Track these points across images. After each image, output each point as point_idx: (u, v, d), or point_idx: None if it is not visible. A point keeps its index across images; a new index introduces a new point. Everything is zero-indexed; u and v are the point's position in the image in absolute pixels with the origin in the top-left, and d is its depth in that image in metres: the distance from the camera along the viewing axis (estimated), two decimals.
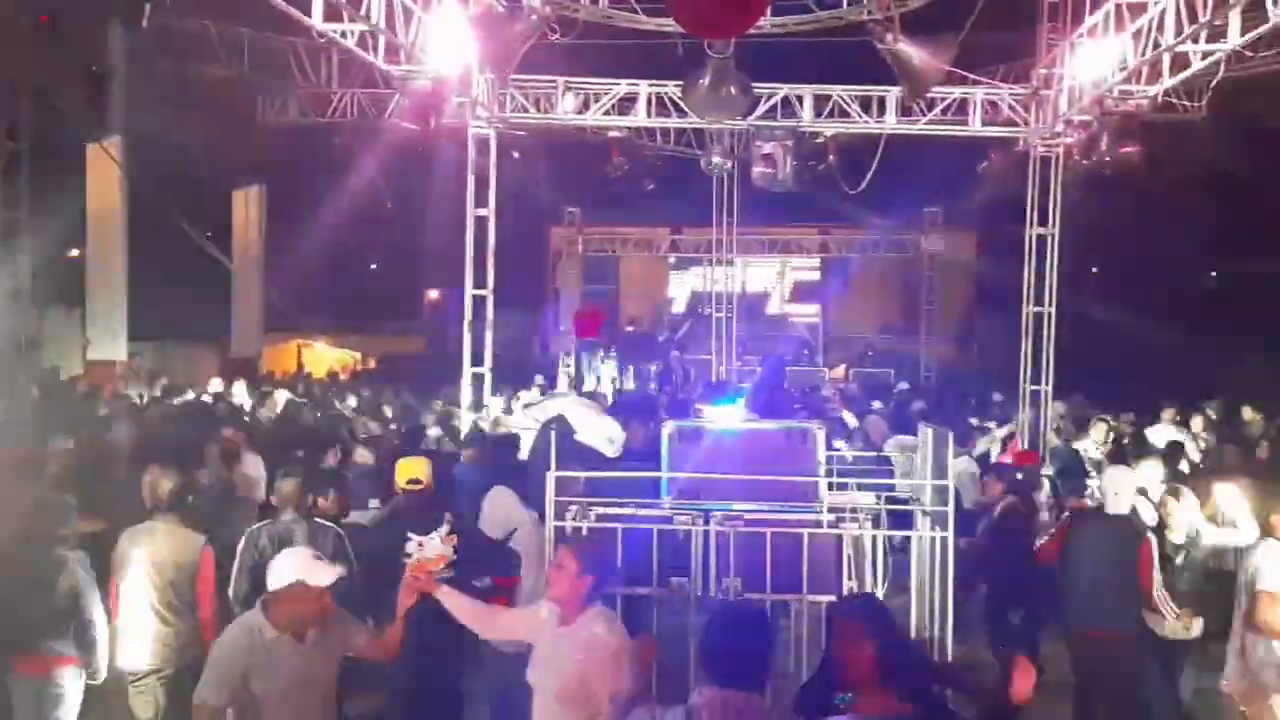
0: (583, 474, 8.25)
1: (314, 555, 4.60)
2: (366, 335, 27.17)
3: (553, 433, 8.09)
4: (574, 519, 6.94)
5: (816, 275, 26.62)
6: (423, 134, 9.65)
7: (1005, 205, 13.62)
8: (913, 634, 7.46)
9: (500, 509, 6.80)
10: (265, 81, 14.89)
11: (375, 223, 20.71)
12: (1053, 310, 11.78)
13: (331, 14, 8.44)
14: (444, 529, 4.84)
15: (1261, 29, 7.79)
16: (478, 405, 11.10)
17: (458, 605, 4.61)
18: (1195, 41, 8.26)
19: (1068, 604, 6.79)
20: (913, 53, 8.82)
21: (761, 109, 11.91)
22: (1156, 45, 8.48)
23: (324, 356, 26.84)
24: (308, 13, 8.25)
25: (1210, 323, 20.47)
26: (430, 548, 4.65)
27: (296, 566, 4.36)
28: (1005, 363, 13.28)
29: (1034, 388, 12.09)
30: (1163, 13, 8.29)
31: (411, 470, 6.53)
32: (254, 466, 8.28)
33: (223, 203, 23.22)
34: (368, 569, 5.91)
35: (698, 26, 7.62)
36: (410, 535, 5.00)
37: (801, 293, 26.76)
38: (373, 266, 30.23)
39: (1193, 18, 7.84)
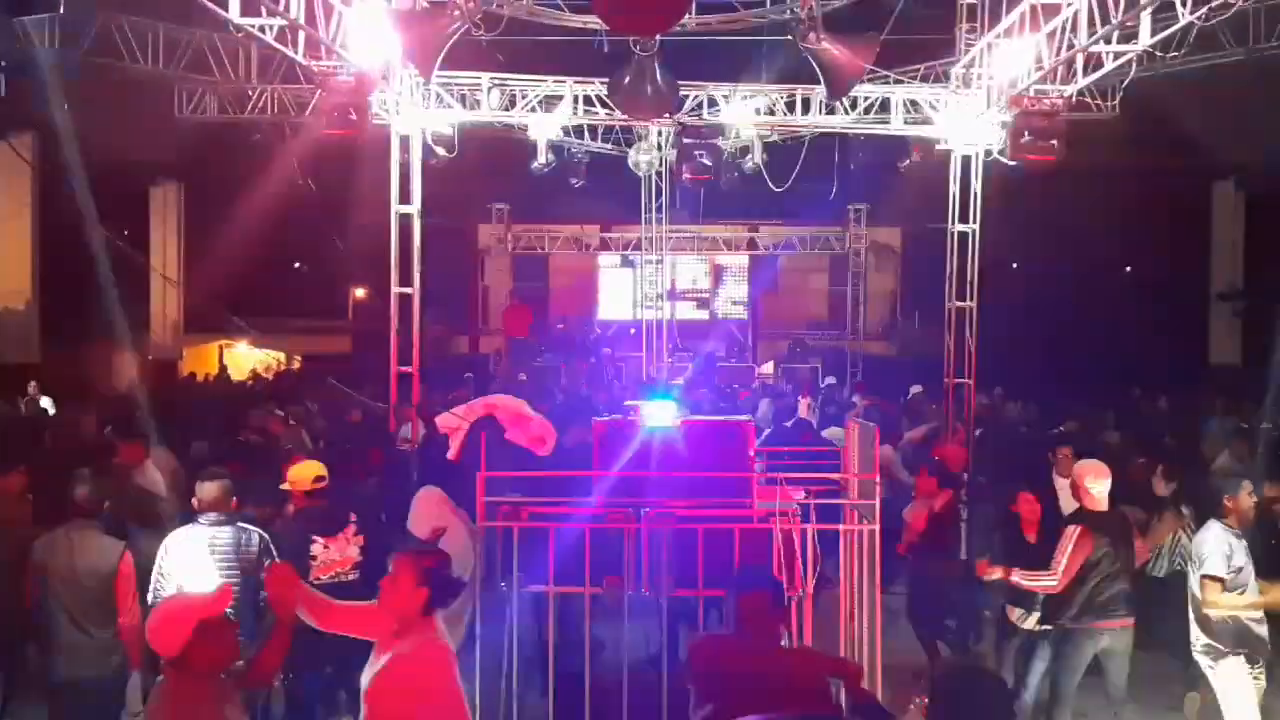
0: (514, 474, 8.24)
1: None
2: (292, 335, 26.70)
3: (482, 433, 8.05)
4: (505, 519, 6.93)
5: (745, 272, 26.82)
6: (345, 133, 9.49)
7: (929, 202, 13.85)
8: (841, 628, 7.61)
9: (428, 509, 6.72)
10: (182, 77, 14.52)
11: (299, 221, 20.34)
12: (975, 305, 12.01)
13: (249, 8, 8.26)
14: (350, 529, 4.80)
15: (1171, 29, 8.03)
16: (406, 405, 10.97)
17: (300, 596, 4.22)
18: (1108, 42, 8.48)
19: None
20: (835, 52, 8.91)
21: (688, 107, 11.95)
22: (1070, 45, 8.69)
23: (247, 358, 26.32)
24: (225, 7, 8.07)
25: (1126, 318, 21.08)
26: (336, 549, 4.59)
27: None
28: (931, 357, 13.51)
29: (958, 381, 12.32)
30: (1076, 14, 8.50)
31: (311, 471, 6.47)
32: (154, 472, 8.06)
33: (139, 201, 22.63)
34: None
35: (621, 24, 7.64)
36: (314, 537, 4.95)
37: (730, 289, 26.93)
38: (297, 265, 29.71)
39: (1105, 19, 8.05)
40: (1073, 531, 6.22)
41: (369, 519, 6.50)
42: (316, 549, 5.24)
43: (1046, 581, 6.31)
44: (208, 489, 6.03)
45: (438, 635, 4.10)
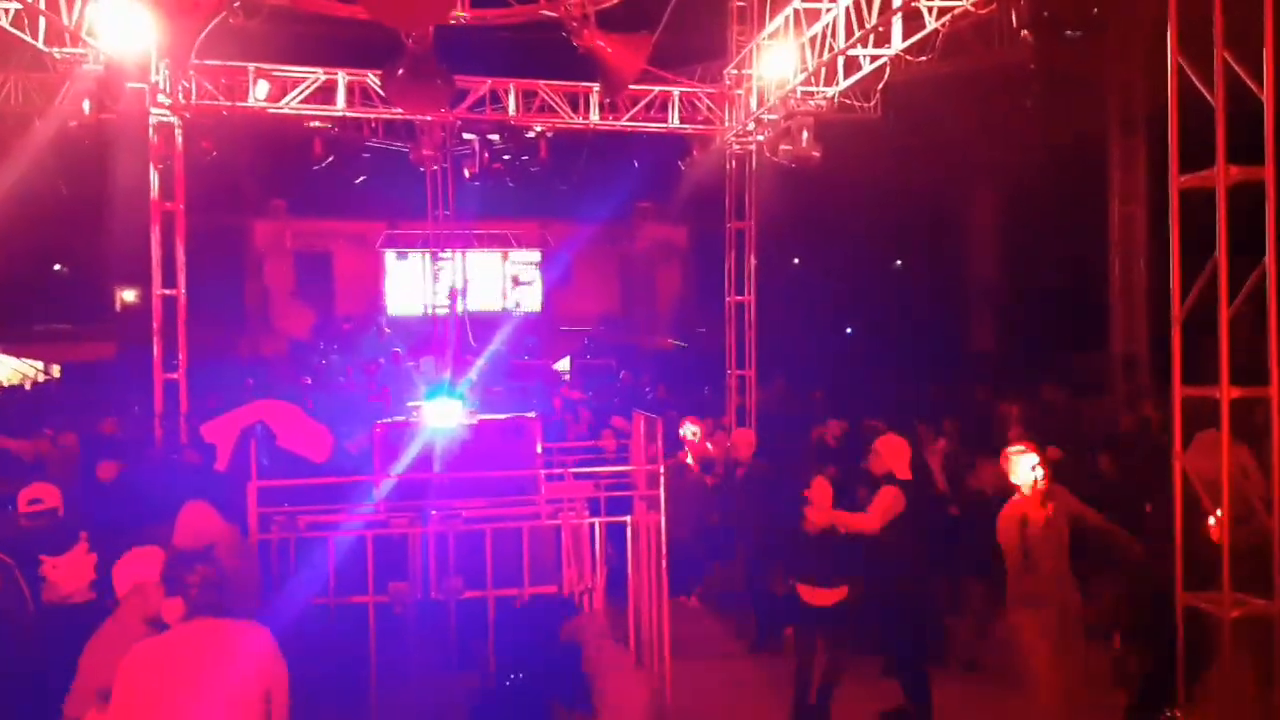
0: (288, 482, 7.92)
1: None
2: (50, 343, 24.77)
3: (252, 440, 7.70)
4: (282, 530, 6.65)
5: (537, 268, 26.79)
6: (94, 123, 8.87)
7: (710, 200, 14.22)
8: (630, 613, 7.72)
9: (194, 523, 6.37)
10: None
11: (57, 220, 18.88)
12: (752, 299, 12.41)
13: None
14: (81, 547, 4.59)
15: (919, 35, 8.54)
16: (170, 414, 10.37)
17: None
18: (864, 45, 8.93)
19: None
20: (610, 50, 9.01)
21: (469, 101, 11.80)
22: (831, 49, 9.11)
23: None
24: None
25: (899, 313, 22.32)
26: (65, 569, 4.38)
27: None
28: (717, 350, 13.89)
29: (740, 373, 12.71)
30: (835, 18, 8.92)
31: (34, 493, 6.13)
32: None
33: None
34: None
35: (385, 16, 7.45)
36: (42, 558, 4.71)
37: (522, 286, 26.84)
38: (57, 267, 27.61)
39: (861, 23, 8.48)
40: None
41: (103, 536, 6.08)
42: (46, 570, 4.95)
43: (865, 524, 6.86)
44: None
45: None
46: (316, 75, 11.31)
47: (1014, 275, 22.74)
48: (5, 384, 22.16)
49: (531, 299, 26.64)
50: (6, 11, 8.09)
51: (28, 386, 22.43)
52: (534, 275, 26.66)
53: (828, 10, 9.06)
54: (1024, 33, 7.46)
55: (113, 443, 10.34)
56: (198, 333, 10.93)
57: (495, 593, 7.64)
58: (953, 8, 7.90)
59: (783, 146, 10.04)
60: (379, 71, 10.70)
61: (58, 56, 8.95)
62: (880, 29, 8.45)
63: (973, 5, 7.72)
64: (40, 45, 8.72)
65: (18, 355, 24.60)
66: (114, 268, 23.48)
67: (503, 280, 26.54)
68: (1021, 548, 6.04)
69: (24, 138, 14.06)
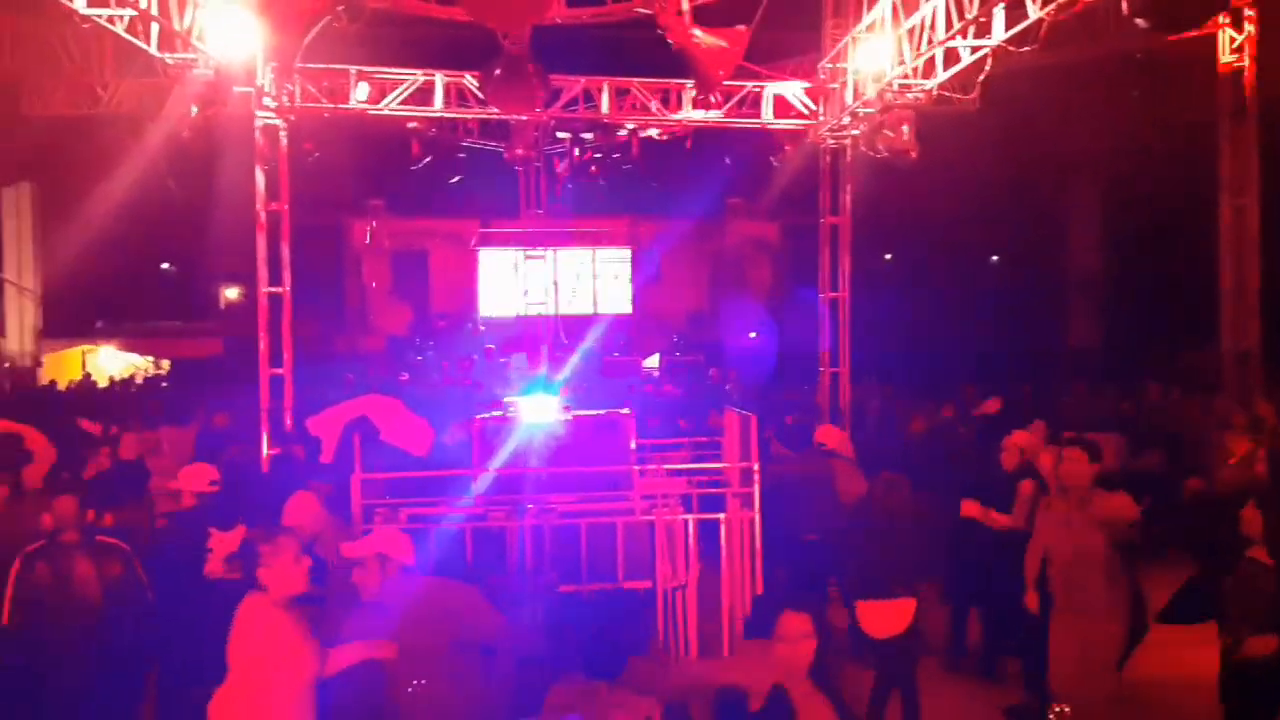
0: (389, 475, 8.11)
1: None
2: (160, 339, 25.74)
3: (356, 434, 7.90)
4: (384, 522, 6.81)
5: (627, 266, 26.89)
6: (202, 126, 9.18)
7: (803, 195, 14.10)
8: (724, 612, 7.71)
9: (300, 514, 6.56)
10: (28, 71, 13.82)
11: (165, 220, 19.60)
12: (846, 296, 12.28)
13: None
14: (240, 529, 4.83)
15: (1022, 25, 8.34)
16: (276, 409, 10.68)
17: None
18: (964, 37, 8.76)
19: None
20: (705, 46, 9.00)
21: (562, 101, 11.89)
22: (930, 41, 8.96)
23: (112, 363, 25.29)
24: None
25: (996, 308, 21.88)
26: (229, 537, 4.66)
27: None
28: (808, 348, 13.77)
29: (833, 370, 12.59)
30: (934, 10, 8.76)
31: (203, 474, 6.42)
32: None
33: None
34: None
35: (487, 17, 7.55)
36: (211, 530, 4.98)
37: (613, 283, 26.98)
38: (165, 266, 28.65)
39: (961, 15, 8.32)
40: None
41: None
42: (213, 542, 5.24)
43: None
44: (62, 503, 5.79)
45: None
46: (415, 77, 11.51)
47: (1117, 269, 22.12)
48: (117, 378, 23.07)
49: (621, 297, 26.75)
50: (121, 19, 8.39)
51: (139, 380, 23.31)
52: (624, 272, 26.77)
53: (927, 2, 8.91)
54: (1139, 21, 7.19)
55: (226, 436, 10.70)
56: (299, 329, 11.22)
57: (589, 586, 7.72)
58: None
59: (881, 141, 9.90)
60: (476, 73, 10.86)
61: (169, 62, 9.25)
62: (982, 20, 8.28)
63: None
64: (153, 51, 9.03)
65: (129, 350, 25.61)
66: (219, 266, 24.30)
67: (592, 277, 26.71)
68: None
69: (136, 141, 14.65)
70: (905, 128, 9.64)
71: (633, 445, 9.68)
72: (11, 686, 5.66)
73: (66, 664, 5.66)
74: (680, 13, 8.83)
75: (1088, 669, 5.60)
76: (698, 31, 9.08)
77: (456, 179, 17.34)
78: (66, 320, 23.52)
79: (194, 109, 9.30)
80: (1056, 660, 5.72)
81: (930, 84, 9.92)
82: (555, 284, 21.92)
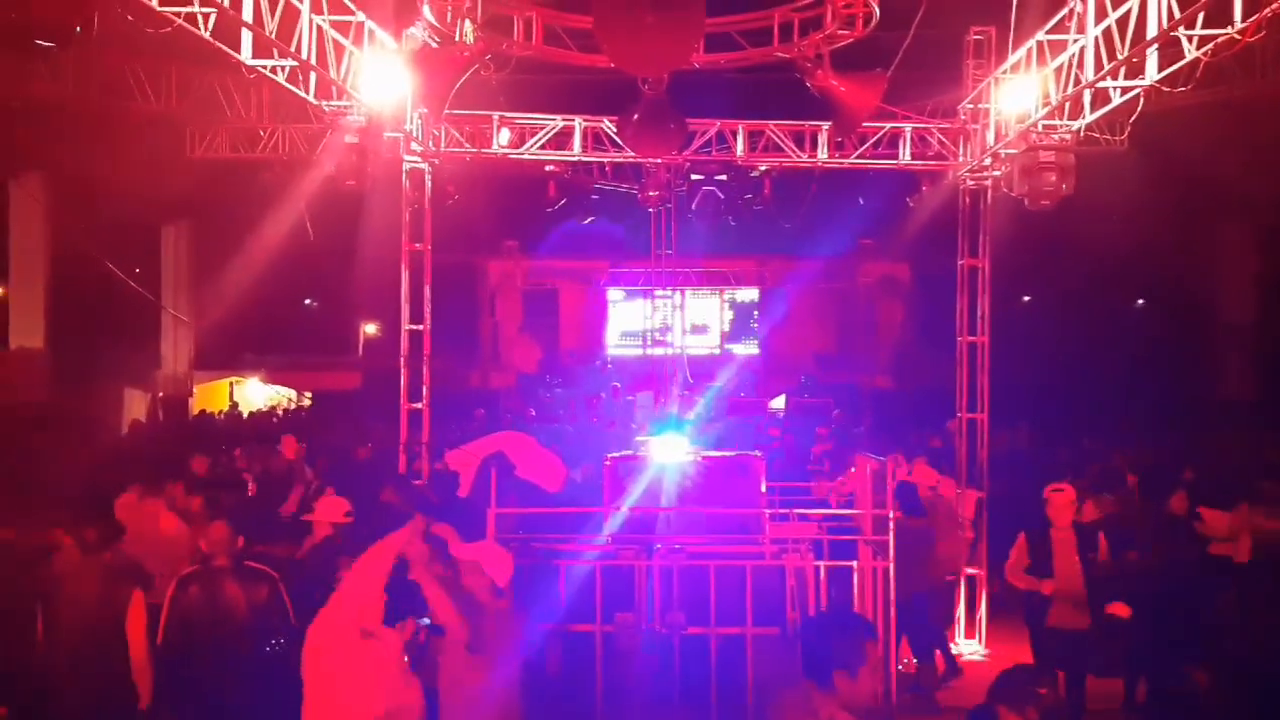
0: (524, 510, 8.22)
1: None
2: (303, 372, 26.81)
3: (493, 469, 8.04)
4: (517, 556, 6.88)
5: (755, 307, 26.84)
6: (356, 171, 9.56)
7: (937, 237, 13.84)
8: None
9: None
10: (193, 117, 14.71)
11: (310, 258, 20.47)
12: (986, 340, 11.95)
13: (262, 49, 8.35)
14: None
15: (1177, 65, 8.04)
16: (415, 442, 10.95)
17: None
18: (1115, 77, 8.49)
19: None
20: (843, 90, 8.96)
21: (696, 143, 11.99)
22: (1077, 81, 8.71)
23: (257, 395, 26.40)
24: (237, 49, 8.16)
25: (1139, 351, 21.02)
26: None
27: None
28: (941, 392, 13.43)
29: (970, 416, 12.23)
30: (1082, 50, 8.53)
31: (342, 505, 6.69)
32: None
33: (150, 240, 22.74)
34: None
35: (629, 64, 7.69)
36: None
37: (740, 323, 26.95)
38: (308, 302, 29.88)
39: (1111, 55, 8.07)
40: None
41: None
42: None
43: None
44: (214, 529, 6.05)
45: None
46: (555, 122, 11.78)
47: (1274, 318, 21.00)
48: (260, 410, 24.07)
49: (748, 337, 26.68)
50: (283, 69, 8.83)
51: (280, 411, 24.25)
52: (751, 313, 26.72)
53: (1074, 41, 8.68)
54: None
55: (366, 467, 11.04)
56: (435, 365, 11.51)
57: (717, 630, 7.65)
58: (1216, 36, 7.38)
59: (1022, 182, 9.65)
60: (614, 117, 11.05)
61: (326, 109, 9.69)
62: (1134, 60, 8.01)
63: (1239, 33, 7.18)
64: (310, 98, 9.48)
65: (273, 382, 26.72)
66: (360, 303, 25.21)
67: (720, 317, 26.73)
68: None
69: (290, 183, 15.39)
70: (1053, 169, 9.37)
71: (763, 488, 9.60)
72: (165, 703, 5.91)
73: (217, 683, 5.89)
74: (818, 57, 8.82)
75: None
76: (834, 81, 9.06)
77: (589, 219, 17.62)
78: (216, 351, 24.70)
79: (345, 153, 9.70)
80: None
81: (1077, 124, 9.64)
82: (683, 323, 22.00)
